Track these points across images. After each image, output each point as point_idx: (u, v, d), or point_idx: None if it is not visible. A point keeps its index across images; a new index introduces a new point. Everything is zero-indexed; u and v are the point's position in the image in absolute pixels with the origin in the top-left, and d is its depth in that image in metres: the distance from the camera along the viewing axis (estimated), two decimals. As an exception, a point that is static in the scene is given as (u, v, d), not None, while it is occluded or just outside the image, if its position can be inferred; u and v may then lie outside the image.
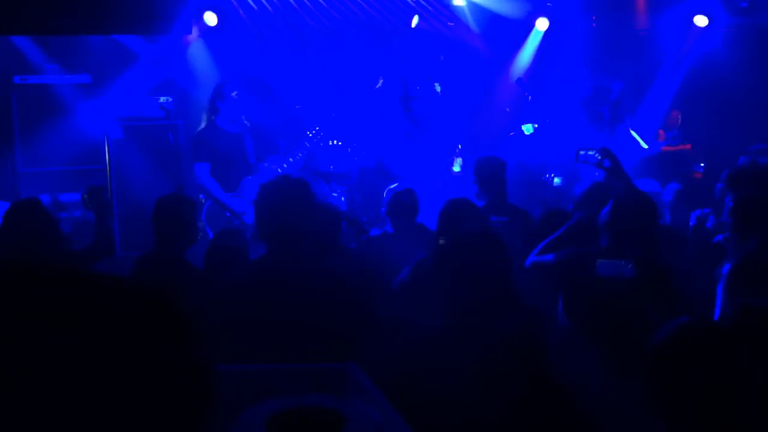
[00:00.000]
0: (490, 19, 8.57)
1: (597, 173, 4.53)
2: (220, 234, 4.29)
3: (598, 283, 3.10)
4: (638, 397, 1.87)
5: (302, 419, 1.41)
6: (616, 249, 3.30)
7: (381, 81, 6.78)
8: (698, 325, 1.83)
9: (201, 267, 4.09)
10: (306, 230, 3.05)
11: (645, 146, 7.75)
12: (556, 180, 7.64)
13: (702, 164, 8.25)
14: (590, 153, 4.65)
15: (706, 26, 8.52)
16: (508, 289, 2.74)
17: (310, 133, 6.50)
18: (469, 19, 8.67)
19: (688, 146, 8.34)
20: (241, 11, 8.05)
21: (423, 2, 8.25)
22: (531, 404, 2.51)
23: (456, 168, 7.32)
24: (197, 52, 8.04)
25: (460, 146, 7.36)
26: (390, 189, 5.59)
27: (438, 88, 6.85)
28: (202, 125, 6.44)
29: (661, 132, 8.38)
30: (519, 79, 7.87)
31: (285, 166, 6.37)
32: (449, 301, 2.71)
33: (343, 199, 7.58)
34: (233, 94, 6.35)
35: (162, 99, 7.21)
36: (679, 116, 8.54)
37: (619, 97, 7.82)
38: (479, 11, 8.56)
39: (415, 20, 7.98)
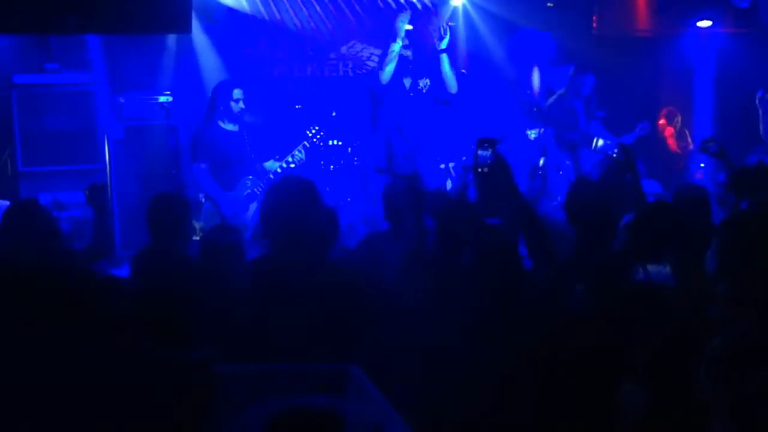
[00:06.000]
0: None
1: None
2: (213, 230, 4.28)
3: (638, 287, 3.08)
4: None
5: (302, 420, 1.40)
6: (640, 253, 3.29)
7: (428, 81, 6.60)
8: (760, 330, 1.81)
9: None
10: (311, 230, 3.04)
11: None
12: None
13: (702, 164, 8.25)
14: (608, 143, 4.71)
15: (709, 28, 8.52)
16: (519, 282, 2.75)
17: (310, 132, 6.49)
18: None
19: (690, 146, 8.33)
20: (240, 10, 8.05)
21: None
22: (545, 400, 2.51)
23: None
24: (197, 50, 8.04)
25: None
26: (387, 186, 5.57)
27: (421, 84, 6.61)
28: (201, 124, 6.43)
29: (668, 128, 8.36)
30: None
31: (284, 165, 6.36)
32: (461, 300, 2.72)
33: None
34: (234, 92, 6.35)
35: (162, 99, 7.21)
36: (679, 118, 8.54)
37: (591, 92, 7.80)
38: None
39: None
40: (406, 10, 6.38)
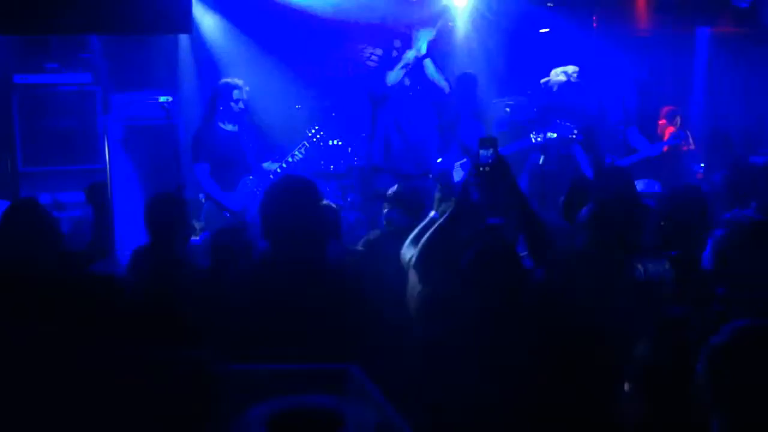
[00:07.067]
0: None
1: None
2: (221, 232, 4.30)
3: (638, 285, 3.08)
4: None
5: (302, 419, 1.40)
6: (600, 249, 3.27)
7: (408, 80, 6.57)
8: (761, 328, 1.81)
9: (203, 266, 4.10)
10: (311, 229, 3.04)
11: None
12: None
13: (702, 164, 8.25)
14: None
15: (708, 28, 8.52)
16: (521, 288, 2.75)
17: (310, 132, 6.50)
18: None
19: (692, 146, 8.29)
20: (240, 10, 8.05)
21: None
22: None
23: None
24: (198, 50, 8.05)
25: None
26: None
27: (407, 82, 6.55)
28: (202, 125, 6.43)
29: (668, 127, 8.30)
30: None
31: (284, 165, 6.37)
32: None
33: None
34: (234, 93, 6.35)
35: (162, 99, 7.21)
36: (678, 118, 8.52)
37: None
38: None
39: None
40: (433, 26, 6.37)
